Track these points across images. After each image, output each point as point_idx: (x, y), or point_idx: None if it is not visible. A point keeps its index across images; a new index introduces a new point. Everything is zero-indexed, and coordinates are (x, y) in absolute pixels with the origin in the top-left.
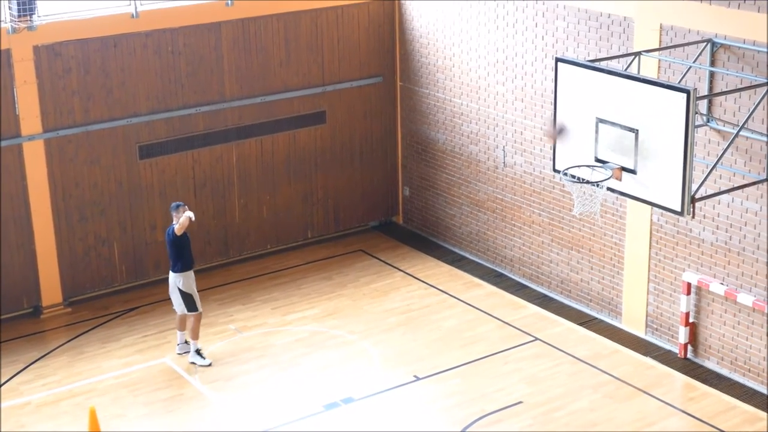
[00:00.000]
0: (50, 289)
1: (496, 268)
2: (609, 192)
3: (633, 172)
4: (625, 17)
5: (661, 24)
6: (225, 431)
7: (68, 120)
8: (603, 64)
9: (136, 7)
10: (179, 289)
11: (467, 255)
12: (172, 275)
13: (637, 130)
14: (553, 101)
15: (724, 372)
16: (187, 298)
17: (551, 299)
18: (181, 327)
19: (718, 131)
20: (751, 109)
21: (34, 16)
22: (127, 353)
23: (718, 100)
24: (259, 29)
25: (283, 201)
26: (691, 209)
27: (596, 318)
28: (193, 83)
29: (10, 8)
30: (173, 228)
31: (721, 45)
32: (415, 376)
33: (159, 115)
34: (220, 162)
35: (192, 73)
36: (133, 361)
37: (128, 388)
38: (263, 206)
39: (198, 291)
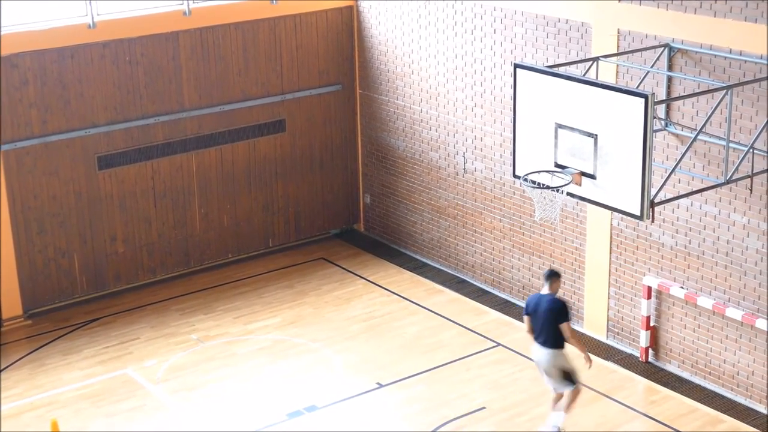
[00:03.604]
0: (10, 301)
1: (458, 275)
2: (569, 197)
3: (592, 177)
4: (582, 23)
5: (618, 29)
6: None
7: (26, 131)
8: (561, 70)
9: (93, 18)
10: (557, 368)
11: (429, 262)
12: (543, 351)
13: (596, 135)
14: (512, 107)
15: (685, 375)
16: (568, 375)
17: (513, 305)
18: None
19: (677, 135)
20: (708, 113)
21: None
22: (88, 365)
23: (676, 104)
24: (218, 38)
25: (243, 210)
26: (651, 213)
27: None
28: (152, 93)
29: None
30: (551, 297)
31: (679, 49)
32: (378, 384)
33: (117, 125)
34: (180, 172)
35: (150, 82)
36: (94, 373)
37: (90, 400)
38: (224, 215)
39: (159, 301)
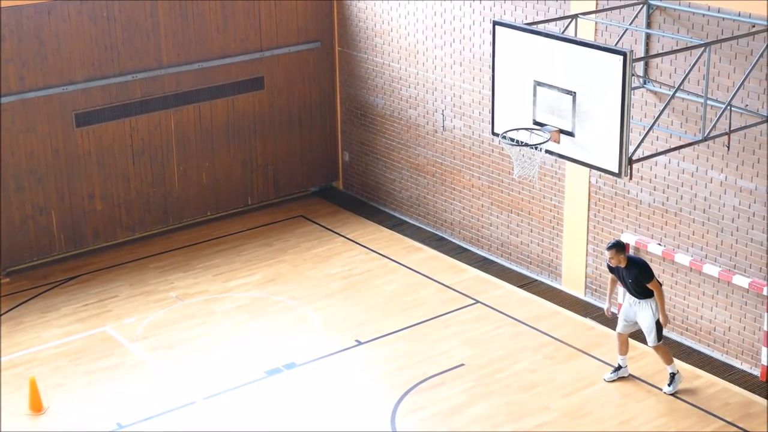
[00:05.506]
0: None
1: (437, 232)
2: (547, 155)
3: (571, 134)
4: None
5: None
6: (167, 399)
7: (3, 88)
8: (540, 27)
9: None
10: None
11: (408, 219)
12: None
13: (575, 93)
14: (491, 64)
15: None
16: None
17: (491, 262)
18: (623, 350)
19: (655, 93)
20: (687, 71)
21: None
22: (67, 322)
23: (654, 62)
24: None
25: (222, 167)
26: (629, 171)
27: (536, 280)
28: (130, 50)
29: None
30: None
31: (657, 7)
32: (357, 341)
33: (95, 82)
34: (159, 129)
35: (128, 39)
36: (73, 330)
37: (69, 358)
38: (202, 173)
39: (138, 259)
